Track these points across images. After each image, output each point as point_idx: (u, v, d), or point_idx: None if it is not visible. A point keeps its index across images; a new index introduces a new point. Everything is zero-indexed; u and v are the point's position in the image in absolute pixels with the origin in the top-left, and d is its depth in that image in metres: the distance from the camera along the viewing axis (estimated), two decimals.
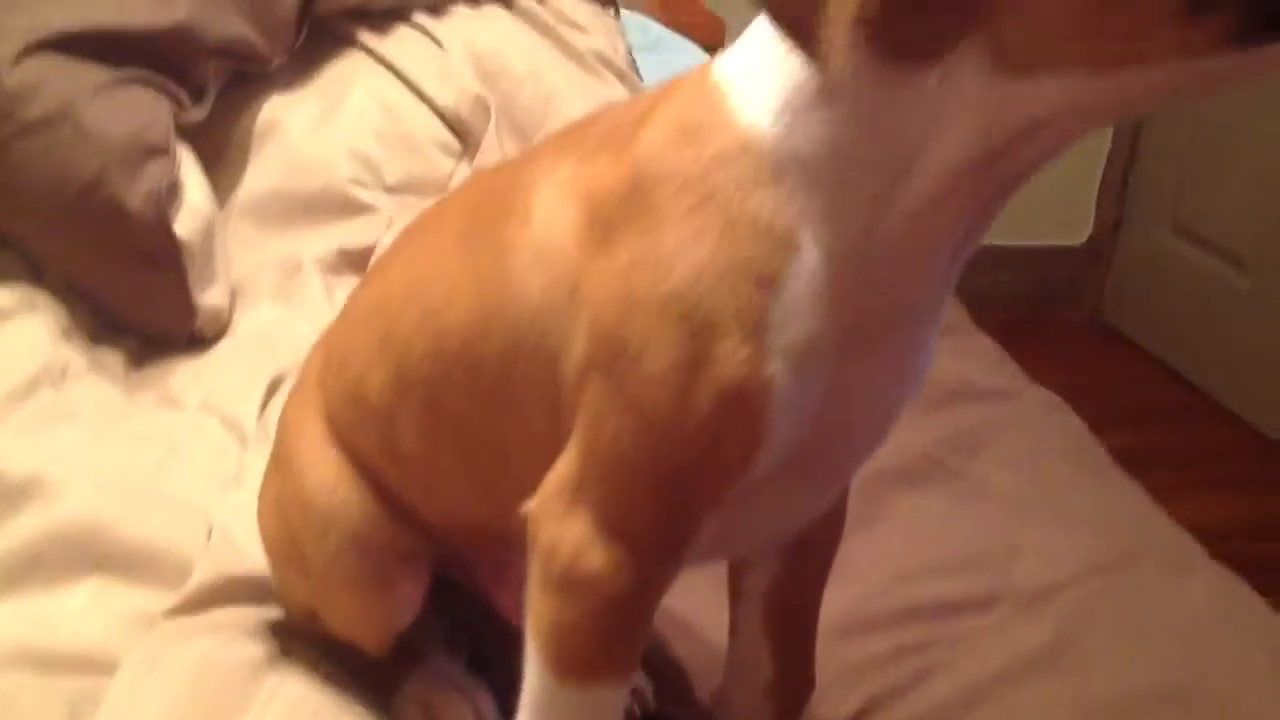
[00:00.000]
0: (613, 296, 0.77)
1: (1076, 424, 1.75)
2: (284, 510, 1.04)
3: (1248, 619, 1.34)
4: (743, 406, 0.74)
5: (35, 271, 1.57)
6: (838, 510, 1.02)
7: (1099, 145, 3.13)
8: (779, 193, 0.73)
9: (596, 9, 2.19)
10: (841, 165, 0.72)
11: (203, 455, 1.32)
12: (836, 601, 1.22)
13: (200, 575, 1.15)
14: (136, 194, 1.46)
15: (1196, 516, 2.38)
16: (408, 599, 1.03)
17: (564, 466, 0.82)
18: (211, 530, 1.20)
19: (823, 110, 0.72)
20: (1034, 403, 1.77)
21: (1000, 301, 3.12)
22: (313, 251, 1.66)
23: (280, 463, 1.06)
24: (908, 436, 1.59)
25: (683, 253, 0.74)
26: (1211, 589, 1.38)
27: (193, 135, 1.65)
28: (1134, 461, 2.47)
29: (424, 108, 1.85)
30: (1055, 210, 3.16)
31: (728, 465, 0.77)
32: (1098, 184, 3.17)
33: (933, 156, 0.70)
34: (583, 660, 0.83)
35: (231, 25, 1.68)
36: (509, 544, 0.86)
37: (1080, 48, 0.64)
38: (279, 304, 1.60)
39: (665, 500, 0.79)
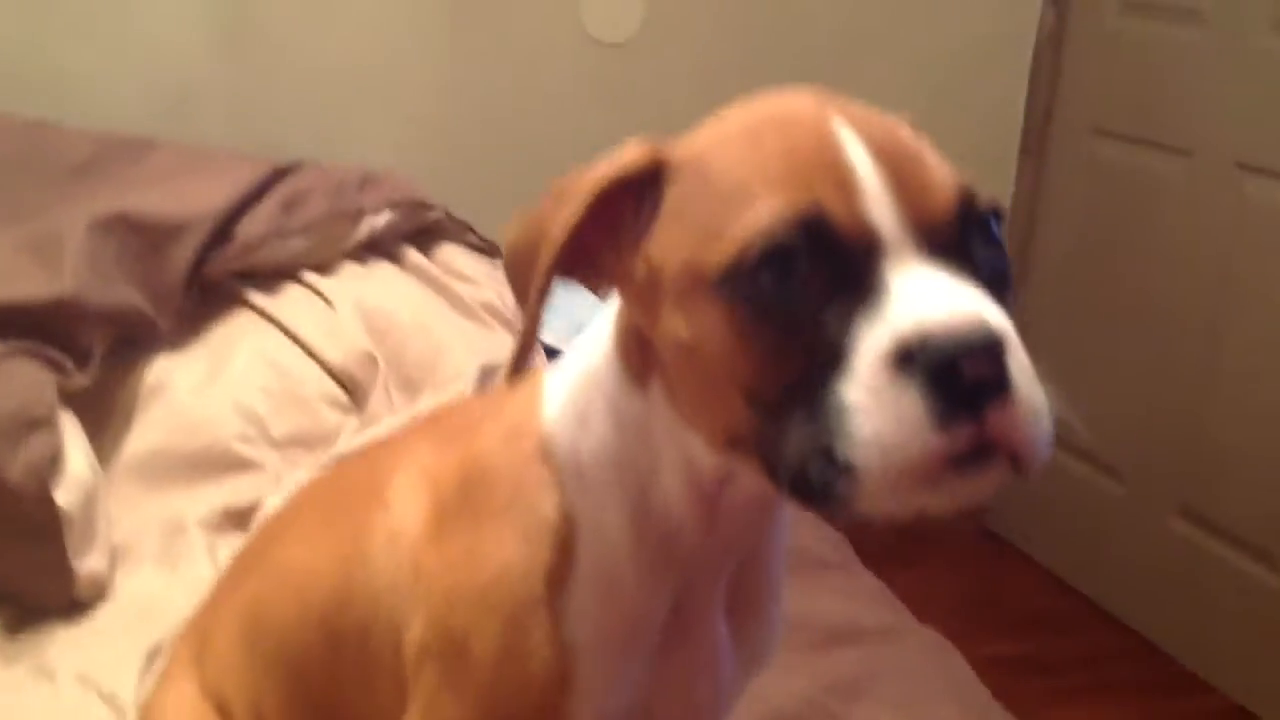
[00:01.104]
0: (443, 587, 0.84)
1: (960, 664, 1.78)
2: None
3: None
4: (548, 698, 0.81)
5: None
6: None
7: None
8: (563, 500, 0.82)
9: (484, 260, 2.26)
10: (606, 476, 0.81)
11: None
12: None
13: None
14: (17, 467, 1.46)
15: None
16: None
17: None
18: None
19: (594, 424, 0.81)
20: (918, 644, 1.79)
21: None
22: (196, 512, 1.66)
23: None
24: (791, 681, 1.61)
25: (493, 551, 0.82)
26: None
27: (77, 399, 1.66)
28: (1024, 667, 2.53)
29: (312, 364, 1.89)
30: None
31: None
32: None
33: (665, 478, 0.80)
34: None
35: (119, 294, 1.72)
36: None
37: (692, 424, 0.76)
38: (161, 567, 1.59)
39: None
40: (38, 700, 1.36)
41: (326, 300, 1.97)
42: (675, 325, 0.71)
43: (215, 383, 1.81)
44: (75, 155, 1.97)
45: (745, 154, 0.71)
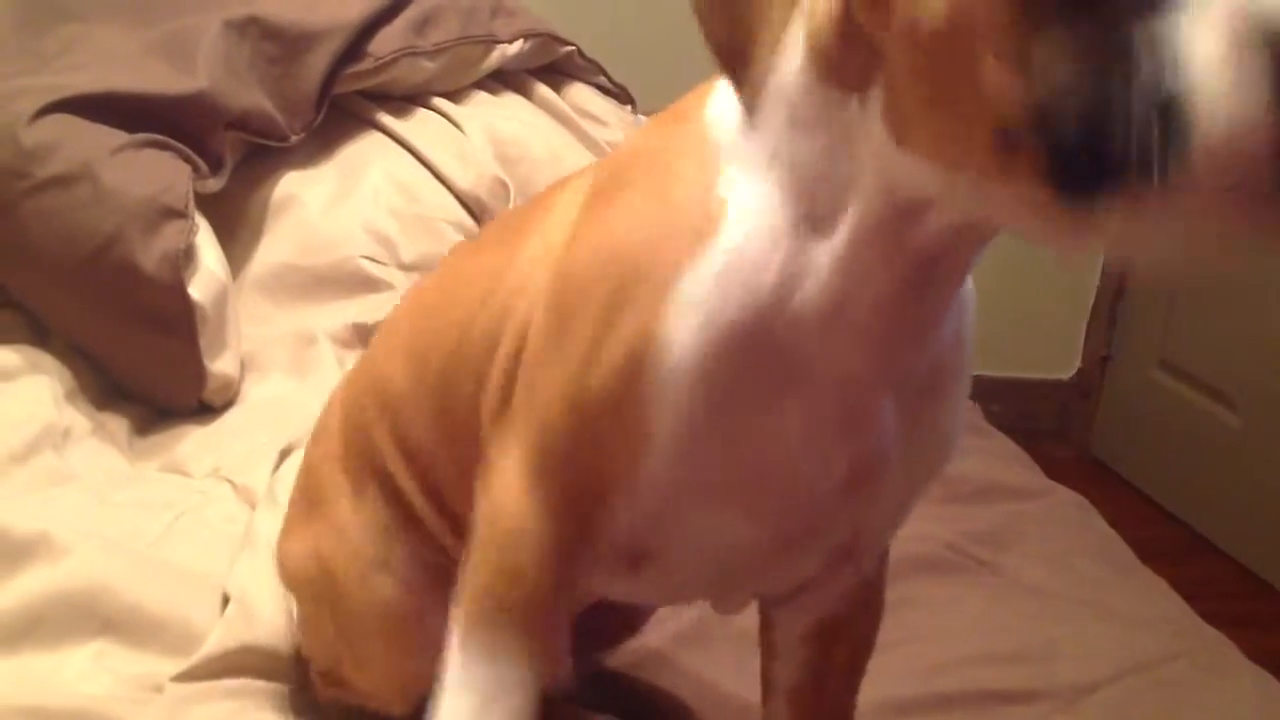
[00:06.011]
0: (571, 255, 0.78)
1: (1102, 524, 1.71)
2: (322, 553, 1.00)
3: None
4: (635, 370, 0.72)
5: (40, 332, 1.53)
6: (867, 600, 0.95)
7: (1088, 279, 3.12)
8: (720, 178, 0.73)
9: (614, 104, 2.19)
10: (778, 177, 0.71)
11: (213, 521, 1.27)
12: (869, 687, 1.16)
13: (214, 642, 1.09)
14: (152, 255, 1.42)
15: None
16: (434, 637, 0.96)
17: (506, 423, 0.82)
18: (227, 598, 1.14)
19: (775, 122, 0.72)
20: (1060, 502, 1.73)
21: None
22: (325, 325, 1.62)
23: (315, 510, 1.02)
24: (930, 528, 1.54)
25: (622, 215, 0.76)
26: (1258, 690, 1.32)
27: (208, 206, 1.62)
28: None
29: (441, 188, 1.83)
30: (1044, 343, 3.17)
31: (623, 438, 0.74)
32: (1086, 318, 3.17)
33: (852, 193, 0.70)
34: (483, 605, 0.81)
35: (251, 98, 1.67)
36: None
37: (927, 138, 0.64)
38: (291, 376, 1.56)
39: (578, 458, 0.77)
40: (171, 491, 1.34)
41: (457, 125, 1.91)
42: (923, 6, 0.60)
43: (345, 202, 1.77)
44: None
45: None
